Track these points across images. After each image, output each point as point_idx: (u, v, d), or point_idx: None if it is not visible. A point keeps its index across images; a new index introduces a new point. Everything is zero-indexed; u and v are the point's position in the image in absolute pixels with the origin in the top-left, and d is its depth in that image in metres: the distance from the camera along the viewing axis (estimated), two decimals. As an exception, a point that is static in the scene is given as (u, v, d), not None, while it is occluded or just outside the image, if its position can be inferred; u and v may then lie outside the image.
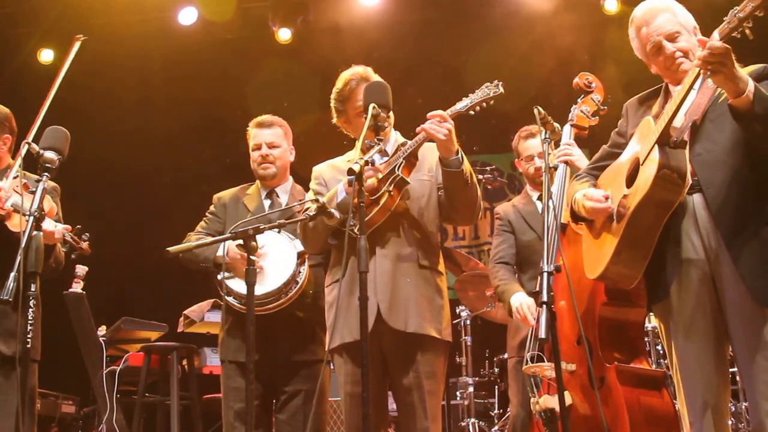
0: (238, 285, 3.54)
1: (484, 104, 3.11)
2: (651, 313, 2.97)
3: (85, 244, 3.42)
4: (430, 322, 3.10)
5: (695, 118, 2.74)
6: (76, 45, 3.47)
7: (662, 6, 2.88)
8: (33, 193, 3.39)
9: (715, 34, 2.47)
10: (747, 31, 2.42)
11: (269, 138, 3.83)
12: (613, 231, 2.79)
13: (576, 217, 3.01)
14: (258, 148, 3.83)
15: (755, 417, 2.61)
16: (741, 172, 2.64)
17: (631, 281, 2.80)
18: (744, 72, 2.67)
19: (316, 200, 2.93)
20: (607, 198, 2.82)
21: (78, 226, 3.44)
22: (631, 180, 2.78)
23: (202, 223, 3.90)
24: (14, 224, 3.34)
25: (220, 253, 3.53)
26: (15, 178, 3.41)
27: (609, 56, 6.13)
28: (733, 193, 2.63)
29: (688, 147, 2.69)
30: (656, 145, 2.65)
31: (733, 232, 2.62)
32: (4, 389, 3.24)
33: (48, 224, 3.32)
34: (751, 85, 2.50)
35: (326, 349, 3.27)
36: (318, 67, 6.96)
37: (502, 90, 3.11)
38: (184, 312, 5.59)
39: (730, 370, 2.84)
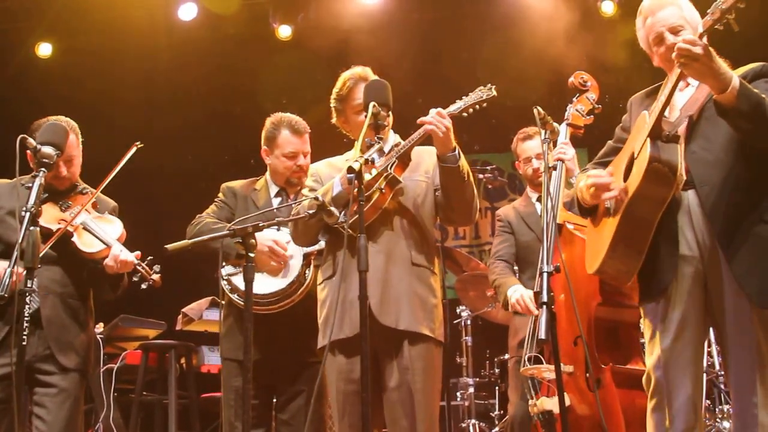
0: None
1: (477, 107, 3.11)
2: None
3: (156, 276, 3.40)
4: (423, 320, 3.06)
5: (691, 113, 2.74)
6: (132, 150, 3.53)
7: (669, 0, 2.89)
8: (101, 213, 3.50)
9: (699, 27, 2.48)
10: (732, 23, 2.42)
11: (306, 148, 3.77)
12: (610, 225, 2.78)
13: (583, 210, 3.00)
14: (295, 157, 3.73)
15: (743, 420, 2.59)
16: (735, 170, 2.64)
17: (627, 277, 2.79)
18: (741, 70, 2.67)
19: (316, 198, 2.92)
20: (611, 175, 2.80)
21: (150, 257, 3.41)
22: (627, 174, 2.77)
23: (213, 207, 3.82)
24: (84, 243, 3.37)
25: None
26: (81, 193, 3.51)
27: (607, 57, 6.14)
28: (726, 191, 2.62)
29: (684, 144, 2.68)
30: (648, 139, 2.64)
31: (727, 232, 2.61)
32: (65, 396, 3.33)
33: (122, 252, 3.34)
34: (735, 81, 2.49)
35: (318, 346, 3.24)
36: (318, 65, 6.95)
37: (494, 93, 3.11)
38: (183, 310, 5.58)
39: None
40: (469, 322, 6.01)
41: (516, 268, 4.21)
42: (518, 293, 3.84)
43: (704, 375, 2.77)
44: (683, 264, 2.69)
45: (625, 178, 2.77)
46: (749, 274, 2.57)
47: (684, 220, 2.70)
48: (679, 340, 2.69)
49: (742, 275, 2.57)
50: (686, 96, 2.83)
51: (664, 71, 2.87)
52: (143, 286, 3.39)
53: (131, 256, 3.36)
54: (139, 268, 3.36)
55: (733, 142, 2.64)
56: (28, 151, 3.09)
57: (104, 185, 3.51)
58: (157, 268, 3.40)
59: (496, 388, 5.98)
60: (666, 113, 2.74)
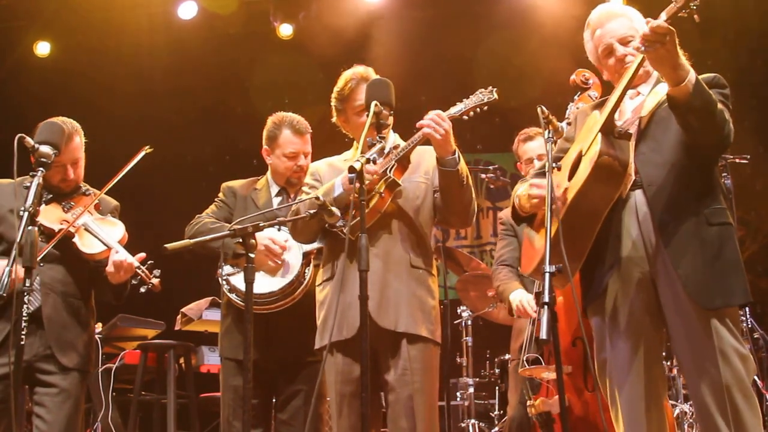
0: (242, 282, 3.49)
1: (478, 110, 3.08)
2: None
3: (156, 281, 3.37)
4: (421, 322, 3.05)
5: (641, 115, 2.72)
6: (141, 153, 3.49)
7: (619, 11, 2.86)
8: (104, 214, 3.51)
9: (662, 14, 2.46)
10: (695, 15, 2.42)
11: (307, 148, 3.75)
12: (552, 227, 2.74)
13: (518, 218, 2.96)
14: (295, 157, 3.71)
15: (705, 423, 2.55)
16: (683, 172, 2.62)
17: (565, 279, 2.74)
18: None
19: (317, 198, 2.90)
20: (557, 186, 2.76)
21: (150, 261, 3.40)
22: (573, 174, 2.73)
23: (213, 207, 3.82)
24: (84, 244, 3.36)
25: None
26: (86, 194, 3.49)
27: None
28: (673, 192, 2.61)
29: (633, 147, 2.66)
30: (600, 134, 2.62)
31: (672, 233, 2.59)
32: (65, 396, 3.31)
33: (123, 256, 3.32)
34: (692, 75, 2.48)
35: (315, 347, 3.22)
36: (319, 64, 6.93)
37: (495, 96, 3.07)
38: (182, 310, 5.56)
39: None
40: (469, 322, 6.00)
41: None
42: (518, 298, 3.82)
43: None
44: (629, 264, 2.66)
45: (570, 177, 2.73)
46: (695, 277, 2.55)
47: (630, 220, 2.67)
48: (627, 342, 2.65)
49: (688, 277, 2.55)
50: (636, 102, 2.81)
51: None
52: (142, 290, 3.38)
53: (132, 259, 3.33)
54: (139, 271, 3.34)
55: (681, 144, 2.62)
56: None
57: (108, 188, 3.50)
58: (156, 272, 3.39)
59: (496, 388, 5.97)
60: (616, 117, 2.70)
